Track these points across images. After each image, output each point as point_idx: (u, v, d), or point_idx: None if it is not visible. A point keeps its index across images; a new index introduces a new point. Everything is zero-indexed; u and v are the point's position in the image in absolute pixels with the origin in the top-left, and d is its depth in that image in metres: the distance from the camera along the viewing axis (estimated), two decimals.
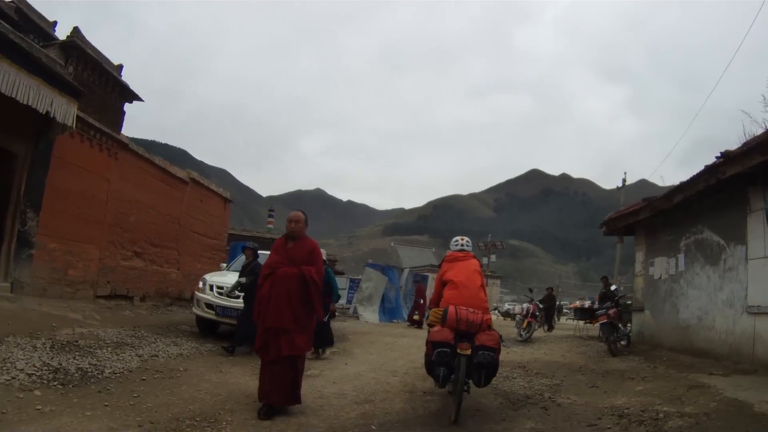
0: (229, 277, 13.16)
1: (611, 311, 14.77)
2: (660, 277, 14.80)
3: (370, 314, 24.98)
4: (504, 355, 12.91)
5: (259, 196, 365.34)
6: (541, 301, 23.48)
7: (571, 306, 27.15)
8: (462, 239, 8.50)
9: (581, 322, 22.19)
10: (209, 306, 12.76)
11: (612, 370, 11.39)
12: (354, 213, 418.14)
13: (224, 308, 12.61)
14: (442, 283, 7.92)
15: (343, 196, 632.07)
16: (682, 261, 13.63)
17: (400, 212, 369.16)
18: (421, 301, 23.79)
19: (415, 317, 23.58)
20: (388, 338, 17.43)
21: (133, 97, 17.02)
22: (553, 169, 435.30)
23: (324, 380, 9.39)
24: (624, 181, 42.37)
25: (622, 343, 15.06)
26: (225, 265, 15.34)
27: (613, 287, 19.51)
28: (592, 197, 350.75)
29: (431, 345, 7.05)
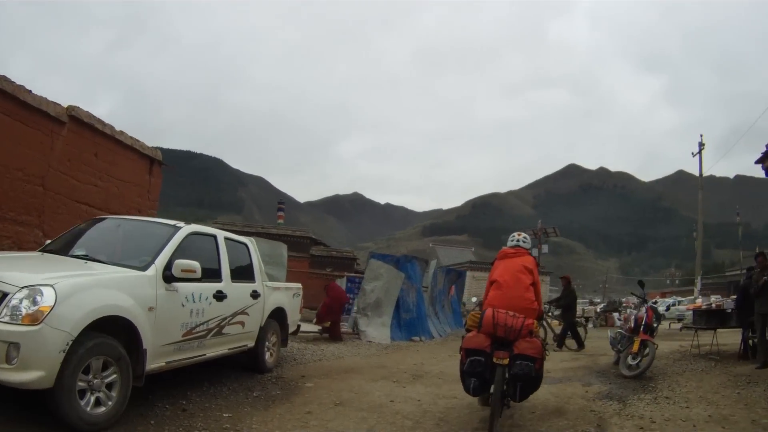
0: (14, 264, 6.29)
1: None
2: None
3: (377, 330, 16.51)
4: None
5: (297, 202, 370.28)
6: (558, 300, 18.41)
7: (690, 307, 18.64)
8: (519, 235, 7.76)
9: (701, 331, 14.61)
10: None
11: None
12: (392, 215, 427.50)
13: None
14: (490, 284, 7.23)
15: (382, 199, 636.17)
16: None
17: (439, 213, 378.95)
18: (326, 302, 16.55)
19: (325, 324, 16.18)
20: (384, 388, 9.07)
21: None
22: (591, 164, 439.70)
23: None
24: (701, 145, 35.91)
25: None
26: (50, 242, 7.95)
27: None
28: (631, 190, 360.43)
29: (464, 352, 6.49)
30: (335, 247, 41.39)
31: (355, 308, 18.08)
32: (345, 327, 18.14)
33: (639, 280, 13.47)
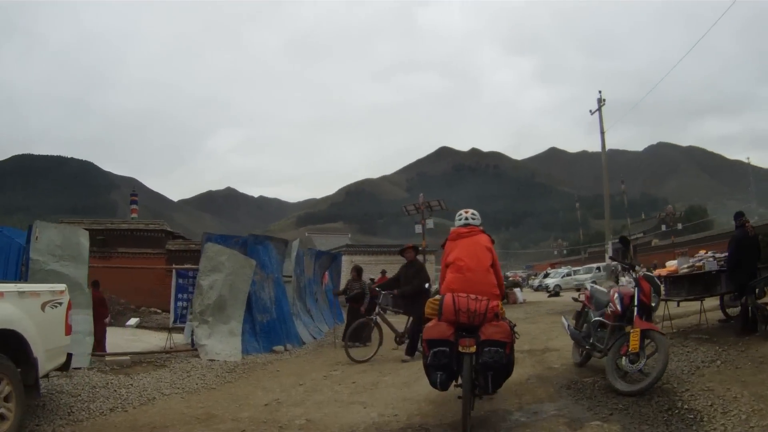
0: None
1: None
2: None
3: (222, 342, 11.61)
4: None
5: (171, 202, 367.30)
6: (396, 281, 12.80)
7: (663, 272, 14.83)
8: (467, 212, 6.93)
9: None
10: None
11: None
12: (267, 208, 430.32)
13: None
14: (446, 267, 6.58)
15: (255, 192, 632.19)
16: None
17: (313, 202, 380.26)
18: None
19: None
20: None
21: None
22: (463, 145, 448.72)
23: None
24: (602, 101, 34.32)
25: None
26: None
27: None
28: (504, 169, 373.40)
29: (426, 344, 5.89)
30: (194, 240, 36.72)
31: (190, 314, 12.95)
32: (183, 340, 13.43)
33: (621, 237, 9.09)
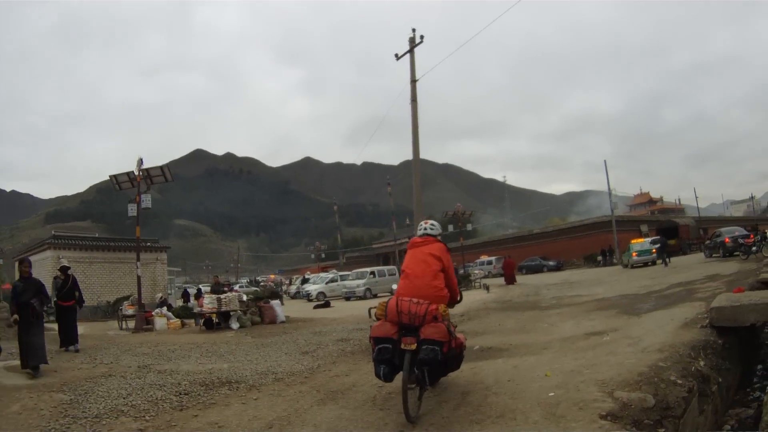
0: None
1: None
2: None
3: None
4: None
5: None
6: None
7: None
8: (426, 222, 7.71)
9: None
10: None
11: None
12: (18, 204, 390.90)
13: None
14: (401, 274, 7.47)
15: (8, 186, 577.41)
16: None
17: (64, 199, 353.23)
18: None
19: None
20: None
21: None
22: (219, 149, 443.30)
23: None
24: (414, 40, 25.97)
25: None
26: None
27: None
28: (258, 175, 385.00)
29: (373, 340, 6.77)
30: None
31: None
32: None
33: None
